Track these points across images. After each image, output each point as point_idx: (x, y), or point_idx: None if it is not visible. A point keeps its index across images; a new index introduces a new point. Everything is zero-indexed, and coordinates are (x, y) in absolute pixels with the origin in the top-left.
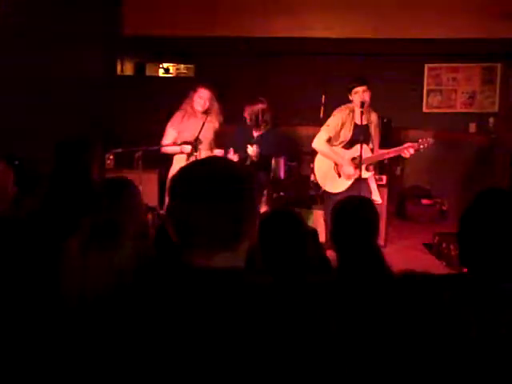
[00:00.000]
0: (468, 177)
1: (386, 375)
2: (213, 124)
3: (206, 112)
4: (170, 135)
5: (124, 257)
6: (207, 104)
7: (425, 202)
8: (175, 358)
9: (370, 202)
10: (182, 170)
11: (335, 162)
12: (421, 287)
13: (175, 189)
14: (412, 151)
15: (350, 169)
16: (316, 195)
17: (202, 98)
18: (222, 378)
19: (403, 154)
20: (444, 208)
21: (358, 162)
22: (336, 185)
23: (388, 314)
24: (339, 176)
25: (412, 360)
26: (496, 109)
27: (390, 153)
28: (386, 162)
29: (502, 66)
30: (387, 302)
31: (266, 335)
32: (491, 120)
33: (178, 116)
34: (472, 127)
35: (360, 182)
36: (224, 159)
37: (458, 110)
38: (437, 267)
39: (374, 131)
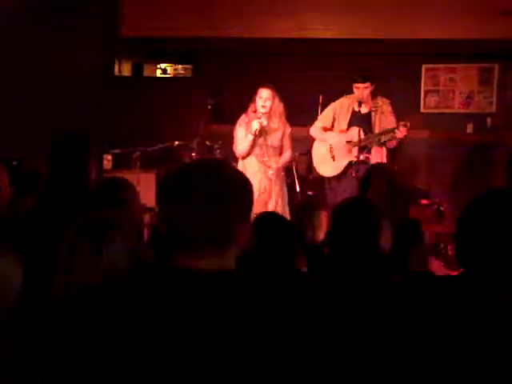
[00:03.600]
0: (465, 177)
1: (383, 376)
2: (279, 127)
3: (270, 113)
4: (242, 135)
5: (114, 253)
6: (269, 104)
7: (422, 202)
8: (161, 361)
9: (370, 203)
10: (177, 169)
11: (327, 141)
12: (425, 288)
13: (169, 188)
14: (404, 131)
15: (343, 152)
16: (313, 195)
17: (261, 97)
18: (209, 380)
19: (397, 135)
20: (442, 208)
21: (352, 145)
22: (330, 168)
23: (389, 315)
24: (334, 159)
25: (410, 360)
26: (493, 109)
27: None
28: (391, 146)
29: (499, 67)
30: (389, 303)
31: (254, 338)
32: (489, 120)
33: (243, 118)
34: (469, 127)
35: (357, 166)
36: (221, 161)
37: (456, 110)
38: (435, 267)
39: (381, 119)
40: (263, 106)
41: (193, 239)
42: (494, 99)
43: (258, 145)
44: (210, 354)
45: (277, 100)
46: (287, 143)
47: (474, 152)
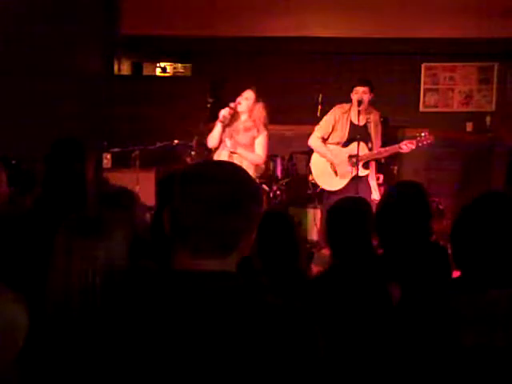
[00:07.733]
0: (465, 176)
1: (378, 375)
2: (252, 129)
3: (250, 115)
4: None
5: (113, 250)
6: (245, 103)
7: None
8: (159, 362)
9: (365, 202)
10: (188, 171)
11: (330, 160)
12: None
13: (179, 189)
14: (412, 146)
15: (346, 167)
16: (313, 194)
17: (241, 96)
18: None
19: (401, 150)
20: (441, 207)
21: (354, 161)
22: (333, 183)
23: (384, 314)
24: (336, 174)
25: (409, 367)
26: (493, 108)
27: (388, 150)
28: (382, 161)
29: (498, 65)
30: (382, 301)
31: (257, 340)
32: (488, 119)
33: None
34: (469, 126)
35: (358, 180)
36: (235, 166)
37: (455, 109)
38: None
39: (374, 130)
40: (239, 103)
41: (197, 245)
42: (494, 98)
43: (227, 138)
44: (212, 355)
45: (259, 104)
46: (259, 147)
47: (473, 150)
